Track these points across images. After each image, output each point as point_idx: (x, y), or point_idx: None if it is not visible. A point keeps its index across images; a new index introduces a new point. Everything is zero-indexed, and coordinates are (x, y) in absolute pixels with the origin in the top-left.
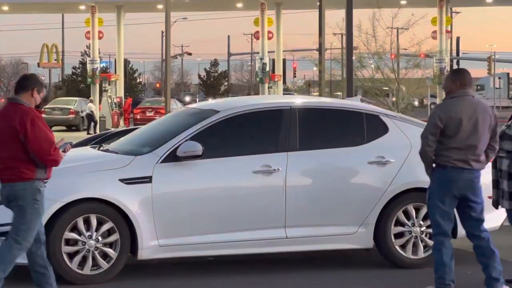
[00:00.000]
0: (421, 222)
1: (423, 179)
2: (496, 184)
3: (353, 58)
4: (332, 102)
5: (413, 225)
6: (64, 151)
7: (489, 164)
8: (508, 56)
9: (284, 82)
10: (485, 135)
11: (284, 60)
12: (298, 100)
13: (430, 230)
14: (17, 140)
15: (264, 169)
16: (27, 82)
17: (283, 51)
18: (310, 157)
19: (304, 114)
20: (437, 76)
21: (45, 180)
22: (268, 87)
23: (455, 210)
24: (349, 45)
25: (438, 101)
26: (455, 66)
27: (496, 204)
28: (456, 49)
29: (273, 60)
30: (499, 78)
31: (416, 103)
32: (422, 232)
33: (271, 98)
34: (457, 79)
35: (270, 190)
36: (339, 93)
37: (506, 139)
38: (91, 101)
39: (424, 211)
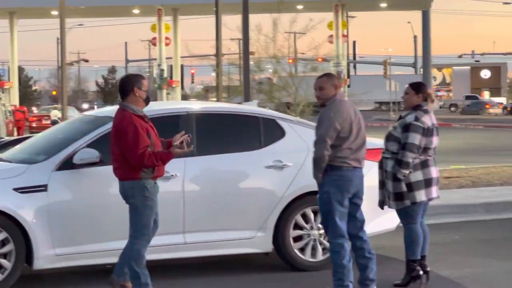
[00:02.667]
0: (320, 225)
1: None
2: (382, 185)
3: (251, 62)
4: (229, 107)
5: (312, 228)
6: (180, 148)
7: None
8: (403, 60)
9: (182, 88)
10: (364, 133)
11: (182, 66)
12: (195, 106)
13: None
14: (119, 142)
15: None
16: (125, 87)
17: (181, 57)
18: (207, 163)
19: (201, 119)
20: None
21: (155, 178)
22: (166, 93)
23: None
24: (245, 50)
25: None
26: (352, 70)
27: (381, 205)
28: (352, 53)
29: (171, 66)
30: (260, 82)
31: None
32: (320, 235)
33: (168, 104)
34: (335, 83)
35: (168, 196)
36: (239, 97)
37: (392, 140)
38: (55, 108)
39: None
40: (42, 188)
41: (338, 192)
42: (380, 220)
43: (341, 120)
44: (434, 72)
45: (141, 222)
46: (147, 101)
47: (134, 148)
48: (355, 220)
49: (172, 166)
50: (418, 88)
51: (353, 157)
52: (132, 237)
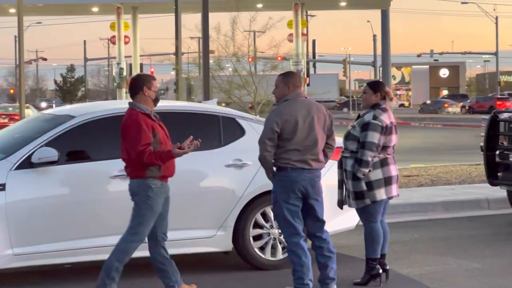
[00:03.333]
0: None
1: None
2: (341, 184)
3: (211, 61)
4: (188, 106)
5: (271, 227)
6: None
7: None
8: (362, 59)
9: None
10: (321, 134)
11: (141, 65)
12: None
13: None
14: (124, 140)
15: (121, 174)
16: (135, 86)
17: (140, 55)
18: None
19: (160, 118)
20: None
21: (164, 177)
22: (126, 92)
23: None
24: (205, 49)
25: None
26: (311, 69)
27: (341, 205)
28: (312, 51)
29: (130, 64)
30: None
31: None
32: (280, 234)
33: (126, 102)
34: (289, 82)
35: (127, 195)
36: (193, 97)
37: (351, 139)
38: (27, 107)
39: None
40: (0, 187)
41: (283, 192)
42: (339, 219)
43: (282, 122)
44: (393, 71)
45: (138, 220)
46: (156, 101)
47: (135, 144)
48: (314, 220)
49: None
50: (376, 87)
51: (300, 158)
52: (126, 233)
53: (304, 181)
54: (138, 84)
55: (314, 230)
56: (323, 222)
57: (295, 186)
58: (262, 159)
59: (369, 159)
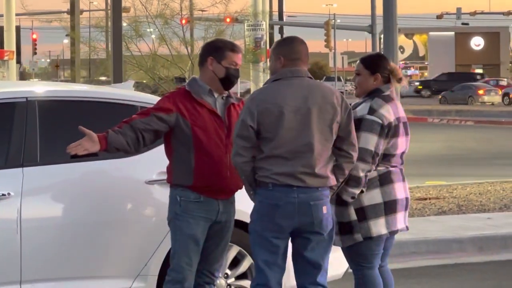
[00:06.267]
0: (228, 271)
1: None
2: None
3: (125, 24)
4: (91, 91)
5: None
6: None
7: None
8: (354, 21)
9: (19, 61)
10: (323, 135)
11: (18, 28)
12: (40, 89)
13: (241, 283)
14: None
15: None
16: (200, 55)
17: (18, 14)
18: (57, 175)
19: (48, 109)
20: (251, 51)
21: (202, 190)
22: None
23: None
24: (116, 5)
25: (252, 87)
26: (276, 35)
27: None
28: (278, 10)
29: (1, 28)
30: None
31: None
32: (229, 285)
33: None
34: (281, 53)
35: None
36: (103, 78)
37: None
38: None
39: (232, 253)
40: None
41: (258, 221)
42: None
43: (259, 112)
44: (402, 40)
45: (172, 249)
46: (227, 82)
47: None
48: (309, 264)
49: (2, 181)
50: (373, 64)
51: (285, 171)
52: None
53: (291, 205)
54: (203, 53)
55: (308, 278)
56: (319, 270)
57: (276, 213)
58: (236, 167)
59: (361, 174)
